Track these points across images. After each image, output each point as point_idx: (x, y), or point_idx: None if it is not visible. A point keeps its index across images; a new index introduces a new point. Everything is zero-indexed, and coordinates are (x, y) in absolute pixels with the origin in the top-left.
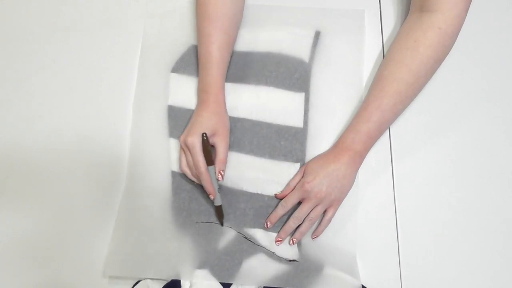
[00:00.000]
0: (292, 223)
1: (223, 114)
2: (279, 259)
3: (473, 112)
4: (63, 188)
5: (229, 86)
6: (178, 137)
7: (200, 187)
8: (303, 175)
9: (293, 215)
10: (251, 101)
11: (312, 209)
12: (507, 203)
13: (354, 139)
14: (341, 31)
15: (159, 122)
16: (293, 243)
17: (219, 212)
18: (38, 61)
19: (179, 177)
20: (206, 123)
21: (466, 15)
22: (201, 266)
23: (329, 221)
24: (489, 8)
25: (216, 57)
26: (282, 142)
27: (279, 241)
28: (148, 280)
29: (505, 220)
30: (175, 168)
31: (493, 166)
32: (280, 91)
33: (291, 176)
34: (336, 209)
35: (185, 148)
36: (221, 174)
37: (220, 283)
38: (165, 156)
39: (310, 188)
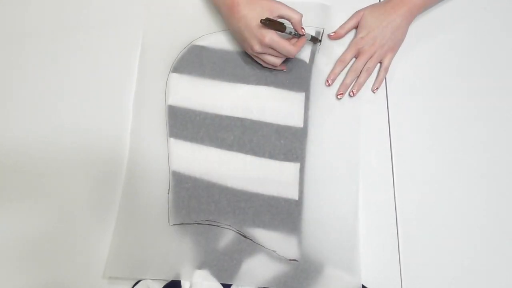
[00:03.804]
0: (350, 76)
1: None
2: (279, 259)
3: (473, 112)
4: (62, 188)
5: (229, 86)
6: (178, 137)
7: (201, 186)
8: (357, 27)
9: (350, 68)
10: (251, 101)
11: (367, 61)
12: (508, 203)
13: None
14: None
15: (159, 122)
16: (353, 95)
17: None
18: (38, 60)
19: (179, 176)
20: (256, 15)
21: None
22: (201, 266)
23: (387, 69)
24: (492, 9)
25: None
26: (282, 141)
27: (340, 94)
28: (148, 280)
29: (506, 220)
30: (175, 168)
31: (493, 166)
32: (280, 91)
33: (291, 175)
34: (391, 58)
35: (265, 50)
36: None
37: (220, 283)
38: (165, 156)
39: (364, 43)
